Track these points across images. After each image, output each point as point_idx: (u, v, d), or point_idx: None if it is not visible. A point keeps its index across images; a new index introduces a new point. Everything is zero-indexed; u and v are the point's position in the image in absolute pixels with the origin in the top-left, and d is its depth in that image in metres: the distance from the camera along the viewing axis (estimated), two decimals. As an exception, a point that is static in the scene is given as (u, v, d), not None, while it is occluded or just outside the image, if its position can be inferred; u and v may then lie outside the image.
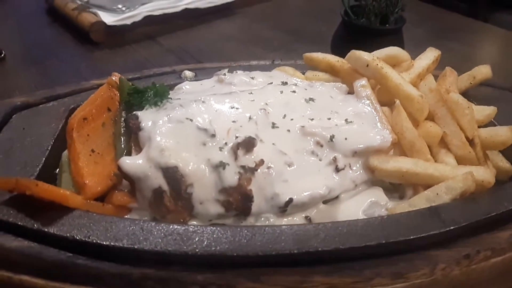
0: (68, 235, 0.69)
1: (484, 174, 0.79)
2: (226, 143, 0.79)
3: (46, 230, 0.69)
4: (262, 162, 0.76)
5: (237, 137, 0.79)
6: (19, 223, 0.71)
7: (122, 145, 0.85)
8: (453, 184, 0.77)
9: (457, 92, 0.99)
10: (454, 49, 1.74)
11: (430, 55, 1.06)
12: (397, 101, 0.90)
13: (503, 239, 0.73)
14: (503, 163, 0.91)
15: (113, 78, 0.98)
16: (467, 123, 0.87)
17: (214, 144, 0.78)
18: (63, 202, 0.72)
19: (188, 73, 1.15)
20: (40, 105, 1.04)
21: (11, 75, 1.49)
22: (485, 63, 1.13)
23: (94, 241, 0.68)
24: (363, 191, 0.83)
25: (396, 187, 0.86)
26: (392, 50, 1.06)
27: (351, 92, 1.01)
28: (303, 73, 1.12)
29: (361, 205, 0.81)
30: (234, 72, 1.10)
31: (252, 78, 1.03)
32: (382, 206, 0.81)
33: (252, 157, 0.77)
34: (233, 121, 0.83)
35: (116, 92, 0.95)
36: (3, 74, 1.50)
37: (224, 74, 1.05)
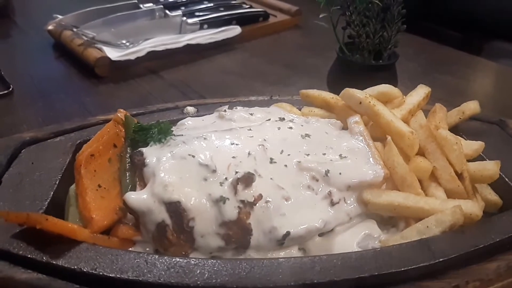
0: (75, 267, 0.72)
1: (472, 208, 0.83)
2: (226, 178, 0.83)
3: (54, 262, 0.73)
4: (260, 196, 0.80)
5: (236, 172, 0.84)
6: (29, 255, 0.74)
7: (127, 180, 0.89)
8: (443, 217, 0.81)
9: (446, 127, 1.05)
10: (447, 82, 1.80)
11: (420, 92, 1.12)
12: (389, 138, 0.94)
13: (491, 270, 0.76)
14: (491, 195, 0.95)
15: (119, 115, 1.04)
16: (455, 158, 0.91)
17: (215, 179, 0.83)
18: (71, 236, 0.76)
19: (190, 109, 1.21)
20: (48, 140, 1.09)
21: (19, 108, 1.55)
22: (476, 96, 1.19)
23: (101, 273, 0.71)
24: (357, 224, 0.87)
25: (389, 219, 0.90)
26: (384, 88, 1.11)
27: (345, 127, 1.06)
28: (300, 109, 1.18)
29: (355, 238, 0.84)
30: (234, 108, 1.16)
31: (251, 114, 1.08)
32: (375, 238, 0.85)
33: (251, 191, 0.81)
34: (233, 157, 0.87)
35: (121, 129, 1.00)
36: (12, 108, 1.55)
37: (225, 111, 1.10)
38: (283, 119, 1.07)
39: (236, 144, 0.91)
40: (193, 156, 0.85)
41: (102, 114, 1.18)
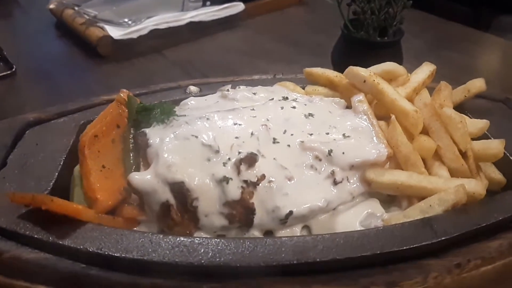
0: (81, 247, 0.73)
1: (476, 187, 0.83)
2: (229, 159, 0.83)
3: (60, 242, 0.74)
4: (263, 177, 0.81)
5: (239, 152, 0.84)
6: (36, 236, 0.75)
7: (131, 161, 0.89)
8: (445, 196, 0.81)
9: (451, 106, 1.03)
10: (454, 60, 1.78)
11: (425, 70, 1.10)
12: (393, 116, 0.94)
13: (493, 249, 0.76)
14: (495, 174, 0.95)
15: (122, 95, 1.03)
16: (460, 137, 0.91)
17: (218, 159, 0.83)
18: (76, 216, 0.76)
19: (193, 88, 1.20)
20: (52, 121, 1.09)
21: (22, 89, 1.55)
22: (483, 73, 1.17)
23: (106, 252, 0.72)
24: (360, 203, 0.87)
25: (391, 198, 0.90)
26: (389, 66, 1.10)
27: (349, 106, 1.05)
28: (303, 88, 1.17)
29: (358, 216, 0.85)
30: (237, 87, 1.15)
31: (254, 93, 1.07)
32: (378, 217, 0.85)
33: (254, 171, 0.81)
34: (236, 137, 0.87)
35: (124, 109, 1.00)
36: (15, 88, 1.56)
37: (228, 90, 1.09)
38: (287, 98, 1.06)
39: (239, 124, 0.90)
40: (196, 137, 0.85)
41: (106, 94, 1.19)
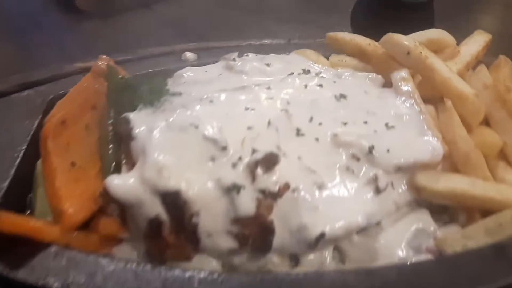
0: (42, 282, 0.54)
1: (560, 201, 0.64)
2: (240, 158, 0.63)
3: (12, 276, 0.54)
4: (287, 187, 0.60)
5: (254, 150, 0.63)
6: (-21, 265, 0.56)
7: (110, 154, 0.68)
8: (523, 213, 0.62)
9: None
10: (488, 25, 1.55)
11: (479, 40, 0.90)
12: (449, 102, 0.73)
13: None
14: None
15: (100, 64, 0.81)
16: (534, 131, 0.71)
17: (225, 159, 0.63)
18: (36, 236, 0.57)
19: (189, 55, 0.99)
20: (13, 95, 0.88)
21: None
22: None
23: (75, 292, 0.53)
24: (407, 215, 0.68)
25: (442, 208, 0.71)
26: (435, 33, 0.89)
27: (387, 84, 0.84)
28: (326, 57, 0.95)
29: (404, 234, 0.66)
30: (245, 55, 0.93)
31: (267, 65, 0.85)
32: (429, 235, 0.66)
33: (274, 178, 0.61)
34: (249, 127, 0.67)
35: (103, 82, 0.78)
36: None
37: (234, 59, 0.87)
38: (308, 71, 0.85)
39: (252, 110, 0.69)
40: (196, 127, 0.64)
41: (82, 60, 0.96)
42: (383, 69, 0.88)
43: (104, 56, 0.89)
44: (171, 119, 0.65)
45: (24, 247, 0.57)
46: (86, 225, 0.63)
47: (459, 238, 0.65)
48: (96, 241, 0.62)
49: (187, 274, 0.55)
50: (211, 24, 1.45)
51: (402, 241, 0.65)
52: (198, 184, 0.61)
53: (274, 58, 0.90)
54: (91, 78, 0.78)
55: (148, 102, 0.70)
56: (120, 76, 0.77)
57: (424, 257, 0.65)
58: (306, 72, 0.85)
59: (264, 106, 0.71)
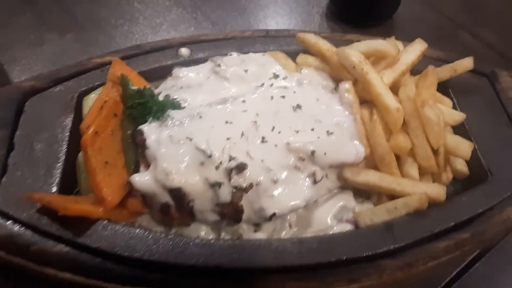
0: (97, 245, 0.87)
1: (438, 193, 0.94)
2: (221, 162, 0.91)
3: (77, 241, 0.87)
4: (251, 186, 0.90)
5: (230, 157, 0.92)
6: (56, 233, 0.88)
7: (131, 152, 0.97)
8: (410, 201, 0.92)
9: (434, 91, 1.08)
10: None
11: (416, 49, 1.11)
12: (375, 116, 1.00)
13: (441, 248, 0.91)
14: (461, 166, 1.04)
15: (114, 74, 1.05)
16: (434, 138, 0.98)
17: (210, 164, 0.91)
18: (89, 216, 0.89)
19: (184, 51, 1.20)
20: (48, 90, 1.12)
21: (8, 22, 1.49)
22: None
23: (118, 252, 0.86)
24: (336, 195, 1.00)
25: (363, 191, 1.02)
26: (382, 45, 1.10)
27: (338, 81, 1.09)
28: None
29: (332, 209, 0.98)
30: (229, 54, 1.16)
31: (245, 71, 1.09)
32: (349, 210, 0.98)
33: (244, 178, 0.91)
34: (227, 138, 0.94)
35: (118, 88, 1.03)
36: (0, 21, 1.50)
37: (219, 65, 1.10)
38: (277, 76, 1.09)
39: (230, 123, 0.96)
40: (190, 139, 0.92)
41: (99, 57, 1.19)
42: (336, 72, 1.12)
43: (116, 59, 1.13)
44: (172, 134, 0.93)
45: (83, 223, 0.89)
46: (120, 204, 0.95)
47: (369, 214, 0.96)
48: (126, 215, 0.93)
49: (187, 241, 0.88)
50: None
51: (330, 213, 0.98)
52: (192, 182, 0.90)
53: (251, 60, 1.13)
54: (110, 87, 1.02)
55: (155, 117, 0.97)
56: (131, 87, 1.01)
57: (345, 225, 0.98)
58: (275, 76, 1.10)
59: (239, 119, 0.97)
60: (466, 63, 1.13)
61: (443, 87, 1.15)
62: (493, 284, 1.05)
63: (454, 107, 1.12)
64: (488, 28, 1.52)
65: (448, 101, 1.12)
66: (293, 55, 1.19)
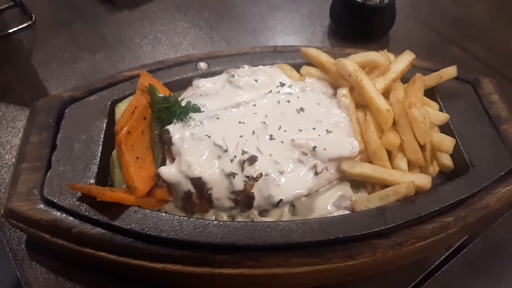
0: (129, 227, 1.02)
1: (424, 181, 1.08)
2: (235, 156, 1.07)
3: (112, 223, 1.02)
4: (261, 175, 1.05)
5: (243, 151, 1.07)
6: (94, 217, 1.03)
7: (158, 149, 1.13)
8: (399, 189, 1.06)
9: (422, 95, 1.23)
10: (449, 11, 1.85)
11: (405, 59, 1.26)
12: (368, 116, 1.15)
13: (428, 230, 1.05)
14: (446, 160, 1.18)
15: (143, 84, 1.22)
16: (420, 135, 1.12)
17: (226, 157, 1.07)
18: (122, 202, 1.04)
19: (202, 65, 1.37)
20: (85, 99, 1.30)
21: (45, 42, 1.68)
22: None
23: (147, 232, 1.01)
24: (335, 186, 1.14)
25: (360, 182, 1.16)
26: (374, 56, 1.25)
27: (336, 91, 1.25)
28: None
29: (332, 197, 1.12)
30: (241, 67, 1.32)
31: (256, 80, 1.26)
32: (347, 198, 1.12)
33: (255, 169, 1.06)
34: (240, 136, 1.10)
35: (147, 96, 1.20)
36: (38, 42, 1.69)
37: (233, 76, 1.27)
38: (283, 84, 1.25)
39: (243, 123, 1.12)
40: (209, 137, 1.08)
41: (128, 70, 1.36)
42: (335, 80, 1.28)
43: (145, 72, 1.30)
44: (194, 133, 1.09)
45: (117, 207, 1.04)
46: (148, 193, 1.10)
47: (364, 201, 1.10)
48: (154, 203, 1.09)
49: (206, 221, 1.02)
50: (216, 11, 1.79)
51: (330, 201, 1.12)
52: (211, 172, 1.06)
53: (261, 72, 1.29)
54: (139, 95, 1.19)
55: (179, 119, 1.13)
56: (158, 95, 1.18)
57: (342, 211, 1.12)
58: (282, 85, 1.26)
59: (250, 120, 1.13)
60: (450, 71, 1.28)
61: (430, 93, 1.30)
62: (478, 268, 1.17)
63: (441, 110, 1.26)
64: (475, 41, 1.67)
65: (434, 105, 1.27)
66: (297, 67, 1.35)
